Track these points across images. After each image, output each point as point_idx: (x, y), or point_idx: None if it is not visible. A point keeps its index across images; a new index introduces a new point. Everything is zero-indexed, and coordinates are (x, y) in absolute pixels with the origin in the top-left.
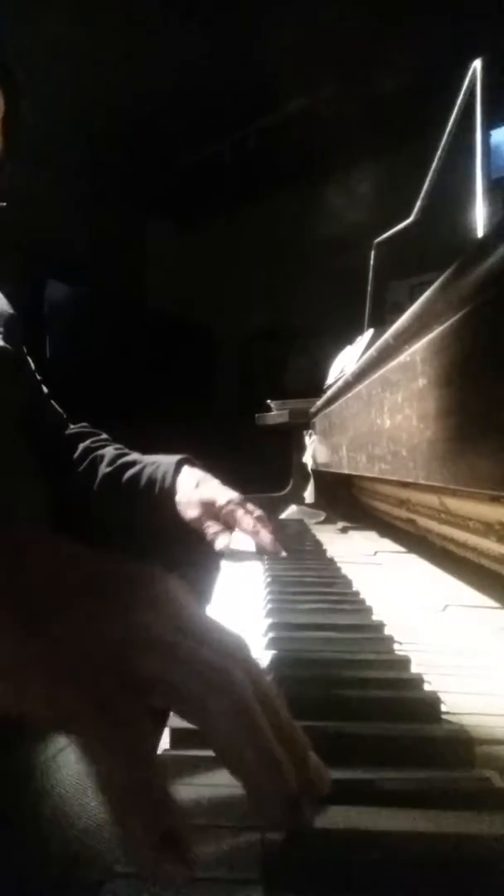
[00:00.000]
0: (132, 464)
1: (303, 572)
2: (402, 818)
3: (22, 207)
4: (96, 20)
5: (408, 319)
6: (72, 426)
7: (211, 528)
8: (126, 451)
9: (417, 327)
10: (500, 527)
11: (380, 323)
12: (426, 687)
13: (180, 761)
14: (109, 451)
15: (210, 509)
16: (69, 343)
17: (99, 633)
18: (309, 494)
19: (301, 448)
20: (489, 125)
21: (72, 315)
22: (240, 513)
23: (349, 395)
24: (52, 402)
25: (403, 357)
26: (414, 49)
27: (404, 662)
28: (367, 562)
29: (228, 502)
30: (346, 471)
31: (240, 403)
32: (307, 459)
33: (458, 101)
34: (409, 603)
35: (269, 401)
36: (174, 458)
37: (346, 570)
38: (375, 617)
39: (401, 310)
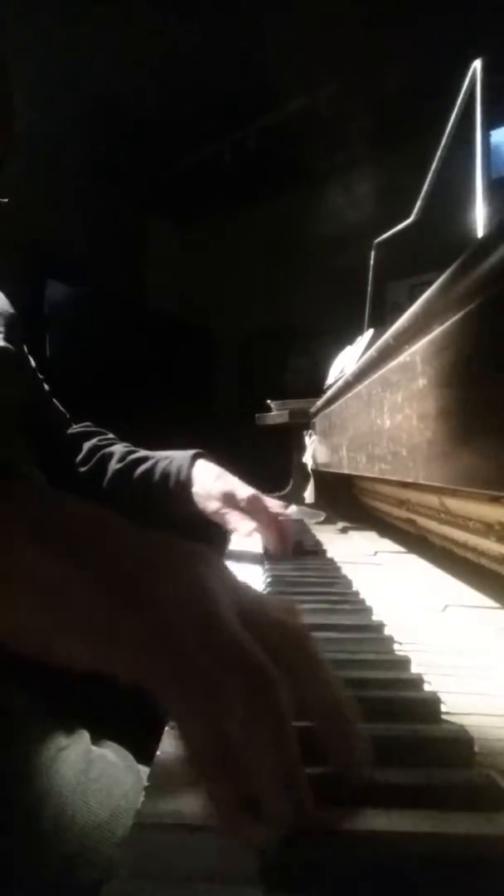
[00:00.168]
0: (144, 459)
1: (303, 572)
2: (402, 818)
3: (22, 207)
4: (96, 20)
5: (408, 319)
6: (75, 426)
7: (232, 518)
8: (135, 448)
9: (417, 327)
10: (500, 527)
11: (380, 323)
12: (426, 687)
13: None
14: (119, 449)
15: (231, 501)
16: (69, 343)
17: (190, 606)
18: (309, 494)
19: (301, 448)
20: (489, 125)
21: (72, 315)
22: (261, 506)
23: (349, 395)
24: (55, 401)
25: (403, 357)
26: (414, 49)
27: (404, 662)
28: (367, 562)
29: (251, 496)
30: (346, 471)
31: (240, 403)
32: (307, 459)
33: (458, 101)
34: (409, 603)
35: (269, 401)
36: (188, 452)
37: (346, 570)
38: (375, 617)
39: (401, 310)
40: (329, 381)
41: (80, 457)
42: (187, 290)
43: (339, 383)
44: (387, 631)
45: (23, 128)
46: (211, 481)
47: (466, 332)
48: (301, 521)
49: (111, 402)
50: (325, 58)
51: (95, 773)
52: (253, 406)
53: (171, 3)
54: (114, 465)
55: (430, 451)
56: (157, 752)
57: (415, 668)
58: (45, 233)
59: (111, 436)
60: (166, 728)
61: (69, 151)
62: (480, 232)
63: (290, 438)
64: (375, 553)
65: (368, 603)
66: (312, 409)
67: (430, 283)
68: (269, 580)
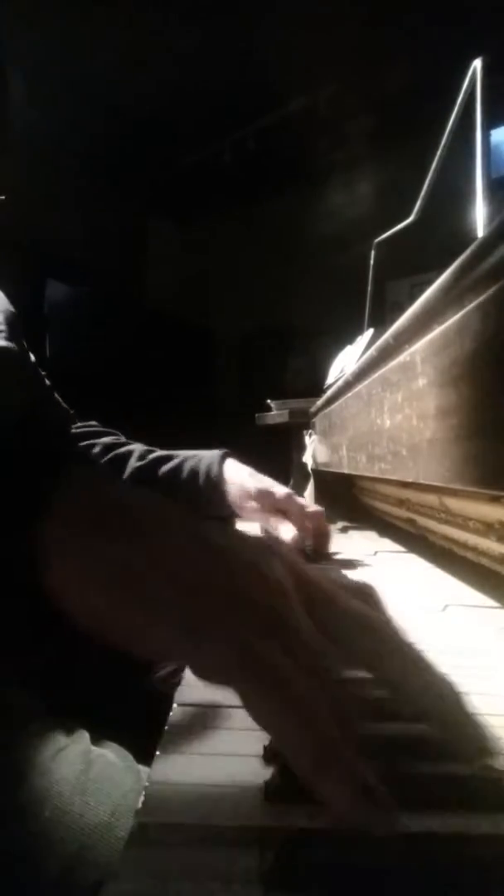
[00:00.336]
0: (168, 457)
1: None
2: (401, 818)
3: (22, 207)
4: (96, 20)
5: (408, 319)
6: (80, 424)
7: (272, 519)
8: (153, 448)
9: (417, 327)
10: (500, 527)
11: (380, 322)
12: None
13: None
14: (138, 447)
15: (267, 499)
16: (69, 343)
17: (252, 594)
18: (309, 494)
19: (301, 448)
20: (489, 125)
21: (72, 315)
22: (297, 506)
23: (349, 394)
24: (58, 398)
25: (403, 357)
26: (414, 49)
27: None
28: (367, 561)
29: (287, 494)
30: (346, 470)
31: (240, 403)
32: (307, 459)
33: (458, 101)
34: (409, 603)
35: (269, 401)
36: (216, 451)
37: (346, 569)
38: None
39: (401, 309)
40: (329, 380)
41: (95, 451)
42: (187, 291)
43: (339, 383)
44: None
45: (23, 128)
46: (246, 478)
47: (466, 332)
48: None
49: (111, 402)
50: (325, 58)
51: (95, 773)
52: (253, 406)
53: (171, 3)
54: (134, 463)
55: (429, 450)
56: (157, 752)
57: None
58: (45, 233)
59: (123, 438)
60: (166, 728)
61: (69, 151)
62: (480, 231)
63: (289, 438)
64: (375, 552)
65: None
66: (312, 409)
67: (430, 283)
68: None
